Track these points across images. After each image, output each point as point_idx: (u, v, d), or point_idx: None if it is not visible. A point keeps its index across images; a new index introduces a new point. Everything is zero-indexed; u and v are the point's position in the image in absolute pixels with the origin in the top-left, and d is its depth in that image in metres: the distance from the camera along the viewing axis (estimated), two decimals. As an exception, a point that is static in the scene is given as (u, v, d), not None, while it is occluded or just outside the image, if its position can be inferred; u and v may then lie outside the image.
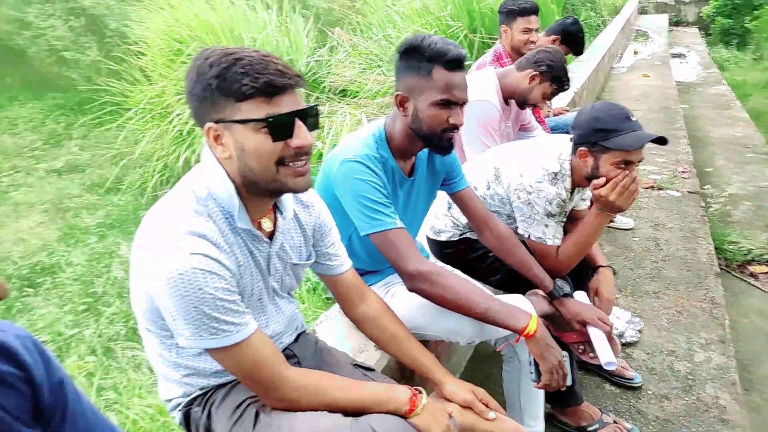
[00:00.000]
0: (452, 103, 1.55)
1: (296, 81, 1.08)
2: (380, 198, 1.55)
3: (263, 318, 1.33)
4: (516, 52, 3.10)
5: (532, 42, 3.08)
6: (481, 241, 1.92)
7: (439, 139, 1.59)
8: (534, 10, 3.13)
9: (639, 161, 1.76)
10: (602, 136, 1.77)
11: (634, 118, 1.74)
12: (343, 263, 1.47)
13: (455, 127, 1.57)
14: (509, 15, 3.12)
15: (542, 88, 2.52)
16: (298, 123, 1.09)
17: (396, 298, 1.73)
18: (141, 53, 5.46)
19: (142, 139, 5.24)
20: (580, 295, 1.91)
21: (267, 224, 1.25)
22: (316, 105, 1.15)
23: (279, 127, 1.08)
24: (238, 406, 1.26)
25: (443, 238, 2.12)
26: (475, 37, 5.93)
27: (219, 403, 1.30)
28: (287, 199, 1.29)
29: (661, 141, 1.74)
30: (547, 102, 3.76)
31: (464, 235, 2.09)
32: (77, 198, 5.33)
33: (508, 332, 1.59)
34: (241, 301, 1.15)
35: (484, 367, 2.37)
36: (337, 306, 1.94)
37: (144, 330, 1.26)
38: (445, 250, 2.13)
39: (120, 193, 5.39)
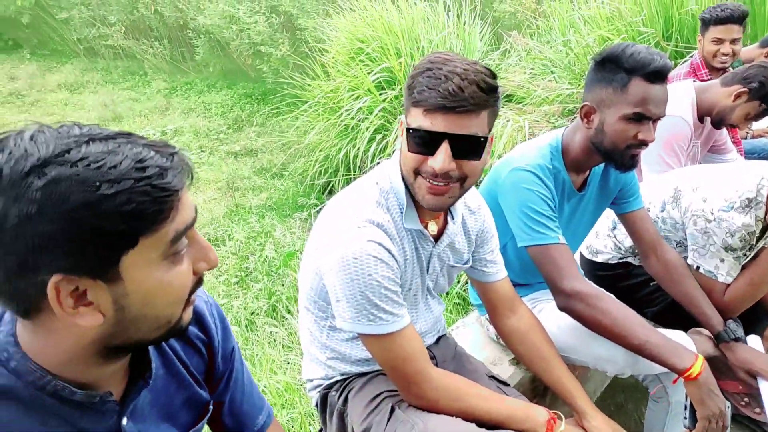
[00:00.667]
0: (645, 117, 1.46)
1: (461, 105, 1.07)
2: (546, 210, 1.50)
3: (414, 314, 1.40)
4: (707, 65, 2.89)
5: (724, 54, 2.82)
6: (645, 268, 1.80)
7: (621, 156, 1.51)
8: (731, 19, 2.81)
9: None
10: None
11: None
12: (499, 271, 1.49)
13: (643, 144, 1.49)
14: (704, 23, 2.90)
15: (748, 108, 2.29)
16: (443, 146, 1.10)
17: (543, 315, 1.68)
18: (326, 50, 5.80)
19: (311, 130, 5.59)
20: (754, 341, 1.73)
21: (432, 227, 1.31)
22: (479, 136, 1.11)
23: (418, 142, 1.12)
24: (375, 397, 1.31)
25: (600, 259, 2.01)
26: (669, 45, 5.43)
27: (357, 391, 1.35)
28: (459, 204, 1.33)
29: None
30: (749, 123, 3.35)
31: (624, 259, 1.98)
32: (246, 179, 5.85)
33: (662, 370, 1.49)
34: (400, 294, 1.21)
35: (617, 397, 2.24)
36: (474, 313, 1.93)
37: (303, 308, 1.39)
38: (599, 272, 2.02)
39: (283, 179, 5.82)
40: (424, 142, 1.12)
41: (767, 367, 1.61)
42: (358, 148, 4.90)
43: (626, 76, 1.47)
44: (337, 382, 1.41)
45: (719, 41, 2.85)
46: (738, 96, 2.29)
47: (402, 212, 1.25)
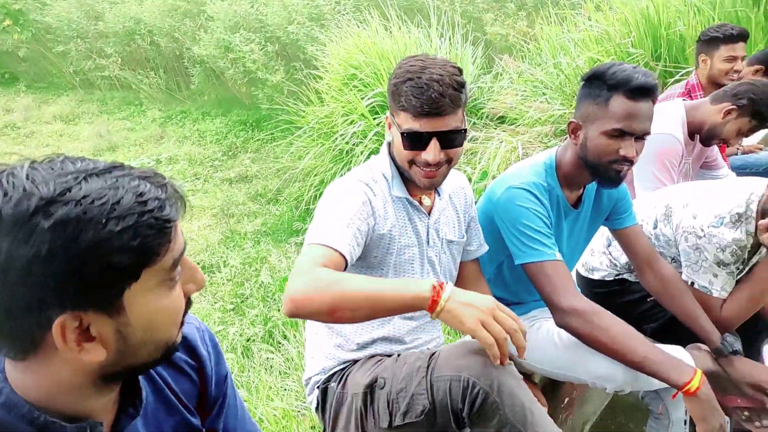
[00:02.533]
0: (626, 133, 1.48)
1: (442, 109, 1.29)
2: (542, 227, 1.51)
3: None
4: (713, 84, 2.87)
5: (736, 71, 2.84)
6: (642, 284, 1.80)
7: (605, 170, 1.53)
8: (741, 36, 2.84)
9: None
10: None
11: None
12: (477, 249, 1.62)
13: (626, 160, 1.49)
14: (711, 42, 2.87)
15: (738, 124, 2.31)
16: (432, 143, 1.32)
17: (541, 333, 1.67)
18: (320, 77, 5.86)
19: (306, 155, 5.61)
20: None
21: (426, 201, 1.49)
22: (459, 128, 1.34)
23: (411, 141, 1.34)
24: (377, 361, 1.39)
25: (596, 276, 2.01)
26: (657, 65, 5.50)
27: (356, 370, 1.41)
28: (444, 183, 1.47)
29: None
30: (740, 139, 3.37)
31: (620, 276, 1.97)
32: (241, 205, 5.86)
33: (662, 385, 1.47)
34: (362, 237, 1.31)
35: (618, 417, 2.22)
36: None
37: None
38: (596, 289, 2.01)
39: (278, 204, 5.83)
40: (416, 141, 1.33)
41: None
42: (354, 172, 4.91)
43: (608, 92, 1.49)
44: (335, 372, 1.44)
45: (733, 59, 2.83)
46: (728, 113, 2.30)
47: (389, 183, 1.43)
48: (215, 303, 3.89)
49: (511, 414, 1.16)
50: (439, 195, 1.52)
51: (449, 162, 1.38)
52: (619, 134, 1.49)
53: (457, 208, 1.57)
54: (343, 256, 1.22)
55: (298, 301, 1.12)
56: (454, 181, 1.59)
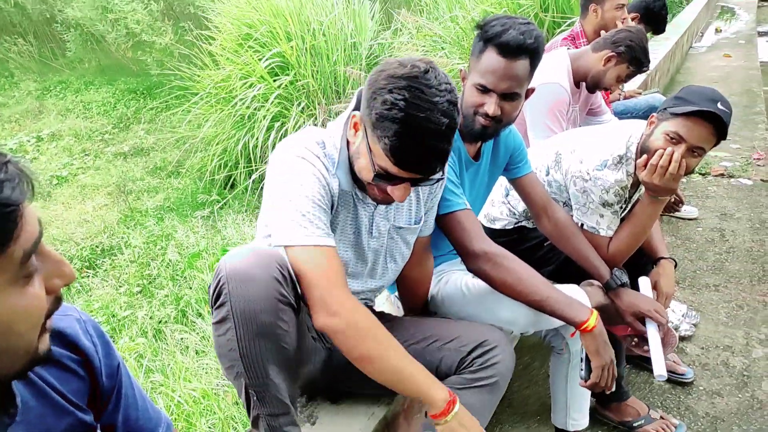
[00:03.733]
0: (489, 90, 1.49)
1: (428, 171, 1.17)
2: (452, 177, 1.53)
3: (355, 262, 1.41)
4: (599, 33, 2.95)
5: (625, 19, 2.95)
6: (538, 228, 1.87)
7: (471, 123, 1.55)
8: None
9: (695, 147, 1.64)
10: (673, 103, 1.66)
11: (720, 105, 1.59)
12: (430, 227, 1.56)
13: (488, 116, 1.51)
14: None
15: (618, 71, 2.41)
16: (407, 184, 1.20)
17: (449, 285, 1.71)
18: (212, 38, 5.55)
19: (205, 123, 5.36)
20: (645, 283, 1.86)
21: None
22: (438, 179, 1.24)
23: (384, 179, 1.20)
24: None
25: (498, 226, 2.09)
26: (546, 16, 5.69)
27: None
28: None
29: (715, 118, 1.59)
30: (620, 85, 3.57)
31: (519, 224, 2.06)
32: (140, 181, 5.54)
33: (561, 324, 1.55)
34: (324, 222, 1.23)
35: (524, 357, 2.34)
36: (384, 293, 1.92)
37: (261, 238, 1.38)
38: (498, 239, 2.10)
39: (180, 177, 5.57)
40: (388, 180, 1.20)
41: (650, 308, 1.75)
42: (257, 138, 4.76)
43: (483, 45, 1.51)
44: None
45: (622, 7, 2.95)
46: (608, 60, 2.43)
47: (335, 176, 1.29)
48: (120, 287, 3.68)
49: None
50: None
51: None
52: (483, 89, 1.51)
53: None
54: (329, 247, 1.23)
55: (340, 329, 1.18)
56: None
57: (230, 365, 1.14)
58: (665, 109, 1.69)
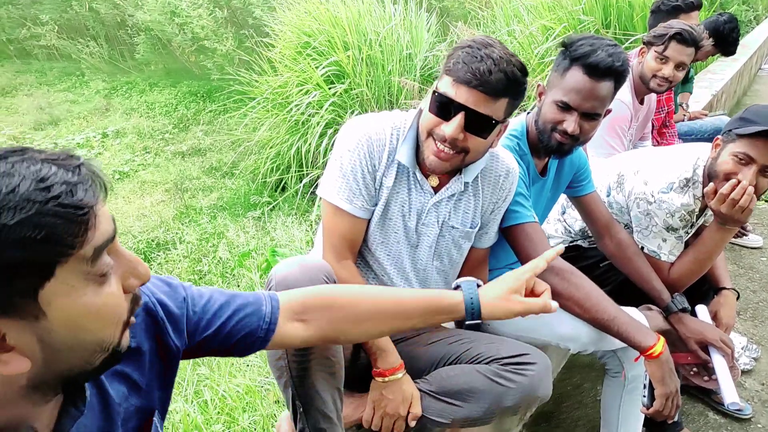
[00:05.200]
0: (571, 108, 1.49)
1: (485, 86, 1.19)
2: (522, 190, 1.53)
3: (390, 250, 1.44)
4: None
5: (669, 94, 2.90)
6: (599, 248, 1.84)
7: (548, 138, 1.54)
8: (695, 6, 2.84)
9: (764, 166, 1.57)
10: (738, 124, 1.60)
11: None
12: (490, 239, 1.54)
13: (566, 134, 1.50)
14: (669, 13, 2.84)
15: (649, 56, 2.38)
16: (458, 117, 1.22)
17: None
18: (272, 45, 5.69)
19: (261, 127, 5.48)
20: (702, 311, 1.79)
21: (433, 180, 1.39)
22: (491, 118, 1.24)
23: (439, 106, 1.25)
24: None
25: (552, 243, 2.05)
26: (608, 33, 5.59)
27: None
28: (476, 164, 1.39)
29: None
30: (684, 105, 3.46)
31: (575, 242, 2.02)
32: (196, 180, 5.70)
33: (621, 346, 1.52)
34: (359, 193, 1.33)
35: (574, 378, 2.29)
36: None
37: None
38: None
39: (234, 178, 5.71)
40: (444, 108, 1.24)
41: (716, 336, 1.68)
42: (310, 143, 4.84)
43: (569, 63, 1.51)
44: None
45: (664, 61, 2.83)
46: (642, 53, 2.40)
47: (398, 142, 1.35)
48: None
49: None
50: (460, 174, 1.41)
51: (465, 152, 1.28)
52: (565, 107, 1.50)
53: (481, 195, 1.46)
54: (352, 216, 1.34)
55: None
56: (495, 165, 1.46)
57: (279, 375, 1.17)
58: (730, 130, 1.63)
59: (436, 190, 1.40)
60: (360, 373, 1.42)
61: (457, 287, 1.13)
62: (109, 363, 0.70)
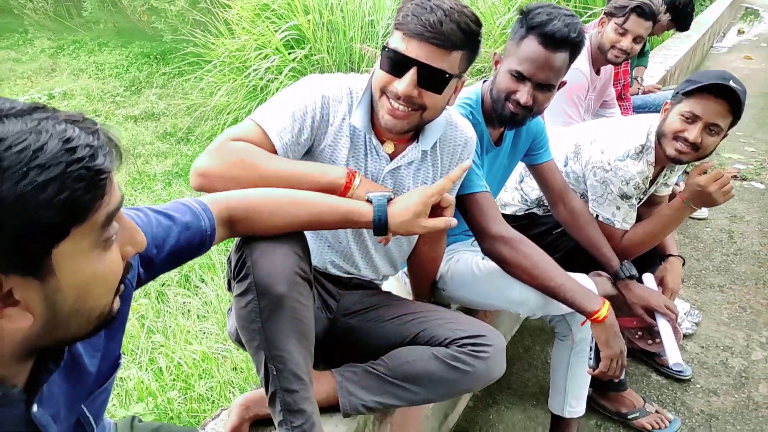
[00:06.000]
0: (525, 78, 1.48)
1: (436, 38, 1.14)
2: (475, 158, 1.52)
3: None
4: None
5: (626, 62, 2.92)
6: (554, 216, 1.88)
7: (501, 108, 1.54)
8: None
9: (710, 124, 1.64)
10: (684, 86, 1.66)
11: (732, 83, 1.58)
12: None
13: (519, 104, 1.50)
14: None
15: (609, 27, 2.41)
16: (411, 72, 1.16)
17: (460, 264, 1.71)
18: (228, 6, 5.50)
19: (218, 91, 5.34)
20: (648, 279, 1.86)
21: (389, 147, 1.34)
22: (446, 71, 1.18)
23: (390, 62, 1.19)
24: None
25: (508, 211, 2.09)
26: (568, 4, 5.62)
27: None
28: (432, 131, 1.34)
29: (728, 91, 1.59)
30: (639, 79, 3.53)
31: (530, 210, 2.06)
32: (149, 145, 5.52)
33: (568, 311, 1.56)
34: (296, 137, 1.24)
35: (525, 340, 2.38)
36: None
37: None
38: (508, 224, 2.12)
39: (189, 144, 5.55)
40: (395, 64, 1.18)
41: (660, 302, 1.76)
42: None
43: (525, 32, 1.49)
44: None
45: (623, 34, 2.88)
46: (601, 24, 2.44)
47: (351, 106, 1.29)
48: (125, 248, 3.70)
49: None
50: (417, 141, 1.36)
51: (422, 109, 1.22)
52: (519, 76, 1.49)
53: (439, 163, 1.42)
54: (269, 138, 1.22)
55: (201, 171, 1.17)
56: (454, 134, 1.42)
57: (251, 338, 1.15)
58: (677, 93, 1.69)
59: (392, 157, 1.36)
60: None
61: (369, 200, 1.17)
62: (100, 328, 0.71)
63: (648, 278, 1.87)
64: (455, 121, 1.43)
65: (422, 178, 1.40)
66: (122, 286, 0.72)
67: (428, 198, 1.16)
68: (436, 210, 1.20)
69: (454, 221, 1.19)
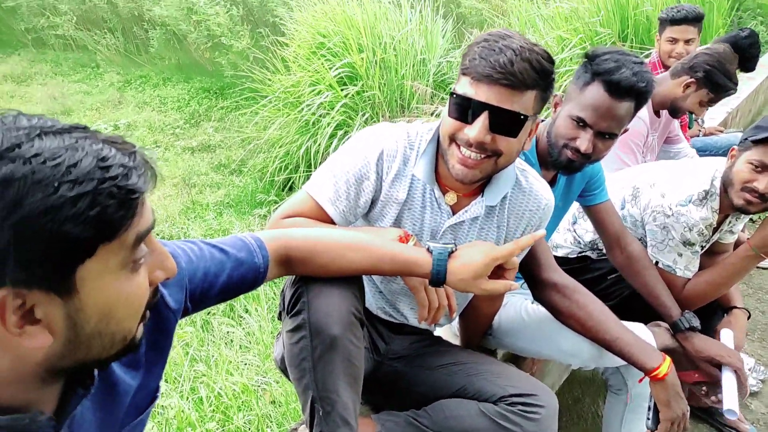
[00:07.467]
0: (587, 125, 1.43)
1: (507, 79, 1.08)
2: None
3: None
4: (663, 64, 2.96)
5: (677, 54, 2.88)
6: (609, 259, 1.80)
7: (558, 153, 1.49)
8: (686, 19, 2.88)
9: None
10: (753, 133, 1.59)
11: None
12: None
13: (578, 151, 1.45)
14: (661, 23, 2.97)
15: (698, 96, 2.34)
16: (482, 117, 1.10)
17: (508, 308, 1.66)
18: (286, 44, 5.69)
19: (271, 125, 5.47)
20: (728, 335, 1.76)
21: (450, 197, 1.29)
22: (520, 113, 1.11)
23: (459, 108, 1.13)
24: None
25: (560, 253, 2.02)
26: (624, 45, 5.56)
27: None
28: (498, 185, 1.27)
29: None
30: (699, 121, 3.43)
31: (583, 253, 1.98)
32: (204, 175, 5.70)
33: (623, 363, 1.47)
34: (350, 200, 1.23)
35: (575, 391, 2.27)
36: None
37: None
38: (560, 267, 2.06)
39: (241, 175, 5.69)
40: (464, 110, 1.13)
41: (724, 354, 1.65)
42: (319, 144, 4.83)
43: (591, 77, 1.46)
44: None
45: (674, 41, 2.93)
46: (687, 86, 2.35)
47: (416, 154, 1.25)
48: (175, 275, 3.78)
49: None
50: (482, 196, 1.30)
51: (496, 155, 1.15)
52: (580, 123, 1.45)
53: (505, 225, 1.34)
54: (322, 208, 1.22)
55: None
56: (525, 195, 1.33)
57: (300, 376, 1.12)
58: (746, 139, 1.62)
59: (454, 210, 1.30)
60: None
61: (429, 251, 1.13)
62: (122, 353, 0.71)
63: (727, 334, 1.76)
64: (531, 181, 1.34)
65: (485, 237, 1.33)
66: (148, 313, 0.71)
67: (492, 261, 1.10)
68: (498, 270, 1.14)
69: (516, 285, 1.13)
